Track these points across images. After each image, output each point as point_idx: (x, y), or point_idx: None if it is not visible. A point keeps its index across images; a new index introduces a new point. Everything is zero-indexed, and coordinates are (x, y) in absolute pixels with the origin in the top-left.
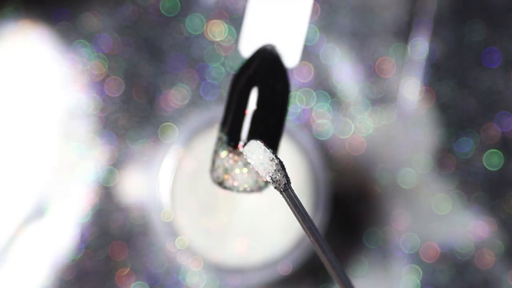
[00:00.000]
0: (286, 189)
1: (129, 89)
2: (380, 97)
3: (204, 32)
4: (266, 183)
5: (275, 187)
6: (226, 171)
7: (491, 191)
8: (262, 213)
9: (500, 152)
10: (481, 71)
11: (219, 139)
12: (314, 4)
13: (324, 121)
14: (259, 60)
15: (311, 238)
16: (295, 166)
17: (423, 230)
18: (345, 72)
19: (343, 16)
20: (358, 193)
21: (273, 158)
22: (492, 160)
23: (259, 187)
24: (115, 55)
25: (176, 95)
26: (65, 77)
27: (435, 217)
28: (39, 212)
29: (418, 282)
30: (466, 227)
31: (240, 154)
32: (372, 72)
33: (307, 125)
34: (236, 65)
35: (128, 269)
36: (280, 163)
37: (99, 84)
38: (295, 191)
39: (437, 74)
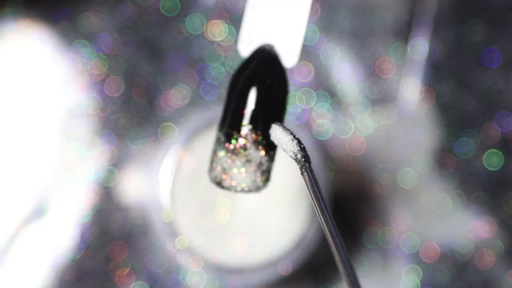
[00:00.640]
0: (306, 169)
1: (129, 89)
2: (380, 97)
3: (204, 32)
4: (264, 183)
5: (299, 166)
6: (224, 171)
7: (491, 191)
8: (262, 213)
9: (500, 152)
10: (481, 71)
11: (218, 139)
12: (314, 4)
13: (324, 121)
14: (257, 59)
15: (321, 219)
16: (295, 166)
17: (423, 230)
18: (345, 72)
19: (343, 16)
20: (358, 193)
21: (293, 139)
22: (492, 160)
23: (257, 187)
24: (115, 55)
25: (176, 95)
26: (65, 77)
27: (435, 217)
28: (39, 212)
29: (418, 282)
30: (466, 227)
31: (238, 153)
32: (372, 72)
33: (307, 125)
34: (236, 65)
35: (128, 269)
36: (300, 143)
37: (99, 84)
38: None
39: (437, 74)
